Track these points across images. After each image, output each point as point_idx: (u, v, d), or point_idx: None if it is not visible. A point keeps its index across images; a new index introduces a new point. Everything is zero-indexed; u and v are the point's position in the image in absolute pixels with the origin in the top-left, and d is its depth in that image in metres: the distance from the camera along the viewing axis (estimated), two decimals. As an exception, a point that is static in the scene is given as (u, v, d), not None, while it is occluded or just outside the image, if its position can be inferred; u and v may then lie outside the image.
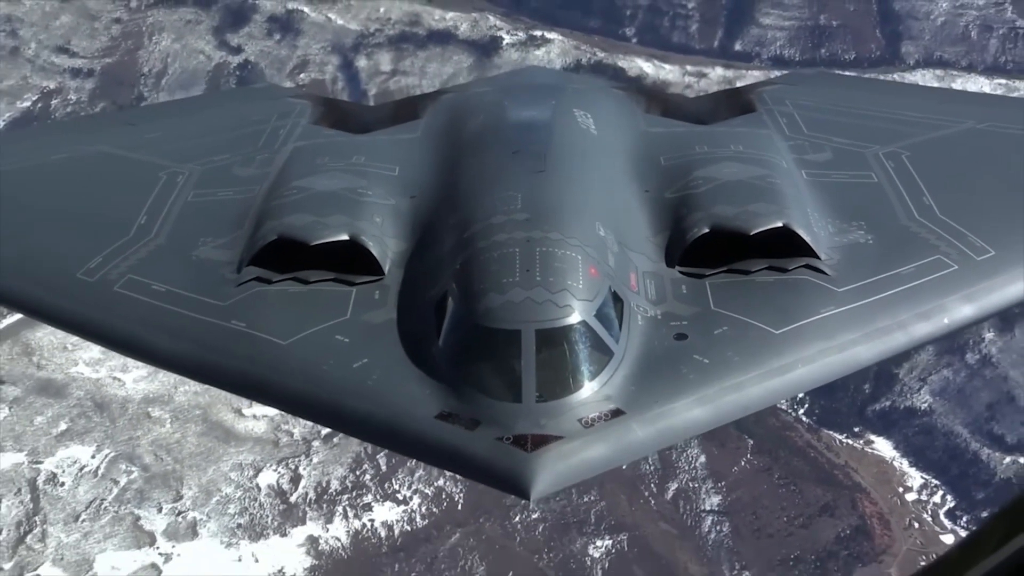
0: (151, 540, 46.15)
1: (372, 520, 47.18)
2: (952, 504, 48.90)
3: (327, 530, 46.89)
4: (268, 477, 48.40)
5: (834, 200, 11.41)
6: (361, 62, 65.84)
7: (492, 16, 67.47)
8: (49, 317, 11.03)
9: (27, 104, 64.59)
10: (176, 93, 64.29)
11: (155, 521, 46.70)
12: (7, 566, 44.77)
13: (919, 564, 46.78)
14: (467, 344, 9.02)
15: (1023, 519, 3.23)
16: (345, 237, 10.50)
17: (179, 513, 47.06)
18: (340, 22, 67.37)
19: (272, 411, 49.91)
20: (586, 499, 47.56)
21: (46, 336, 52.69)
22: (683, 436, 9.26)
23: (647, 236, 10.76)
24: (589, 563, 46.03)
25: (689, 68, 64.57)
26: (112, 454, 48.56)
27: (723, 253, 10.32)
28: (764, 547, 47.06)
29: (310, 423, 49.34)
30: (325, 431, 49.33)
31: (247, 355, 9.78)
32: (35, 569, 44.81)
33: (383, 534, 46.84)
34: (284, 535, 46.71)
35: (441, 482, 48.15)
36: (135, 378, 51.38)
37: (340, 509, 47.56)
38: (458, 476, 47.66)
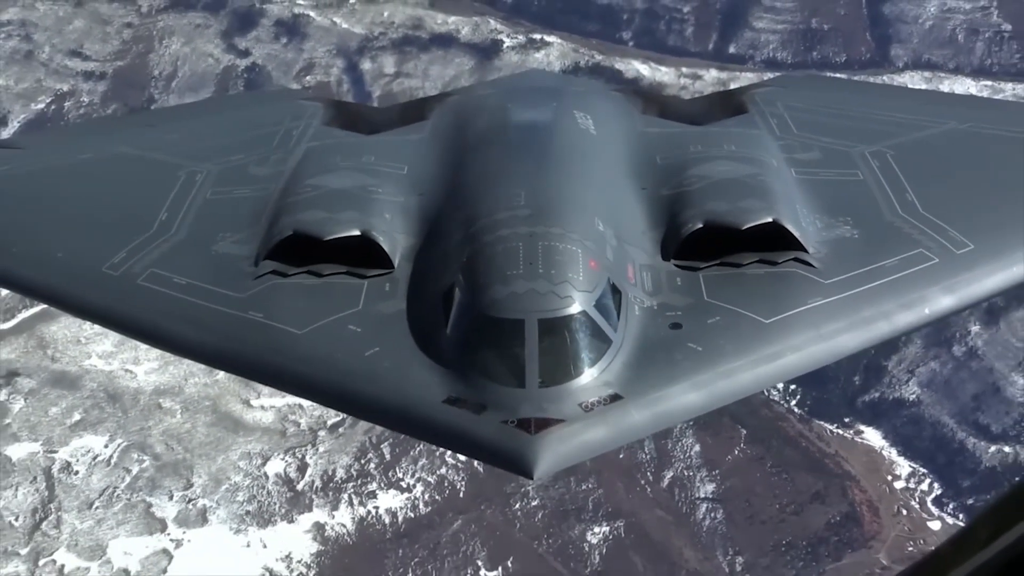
0: (162, 526, 46.31)
1: (376, 507, 47.30)
2: (939, 492, 49.05)
3: (333, 517, 47.03)
4: (276, 466, 48.54)
5: (822, 197, 11.59)
6: (366, 65, 65.94)
7: (493, 20, 67.46)
8: (77, 309, 11.22)
9: (41, 106, 64.75)
10: (185, 95, 64.36)
11: (166, 508, 46.88)
12: (23, 551, 44.94)
13: (907, 549, 46.98)
14: (473, 333, 9.20)
15: (1012, 515, 3.18)
16: (357, 232, 10.64)
17: (189, 500, 47.21)
18: (345, 26, 67.40)
19: (279, 402, 50.08)
20: (584, 487, 47.68)
21: (60, 330, 53.00)
22: (678, 420, 9.48)
23: (644, 231, 10.90)
24: (587, 549, 46.11)
25: (684, 70, 64.56)
26: (124, 444, 48.75)
27: (716, 247, 10.46)
28: (757, 533, 47.20)
29: (316, 414, 49.79)
30: (331, 422, 49.75)
31: (265, 344, 9.95)
32: (50, 554, 44.96)
33: (387, 521, 46.94)
34: (291, 522, 46.84)
35: (443, 470, 48.26)
36: (146, 370, 51.56)
37: (345, 496, 47.69)
38: (460, 465, 48.12)
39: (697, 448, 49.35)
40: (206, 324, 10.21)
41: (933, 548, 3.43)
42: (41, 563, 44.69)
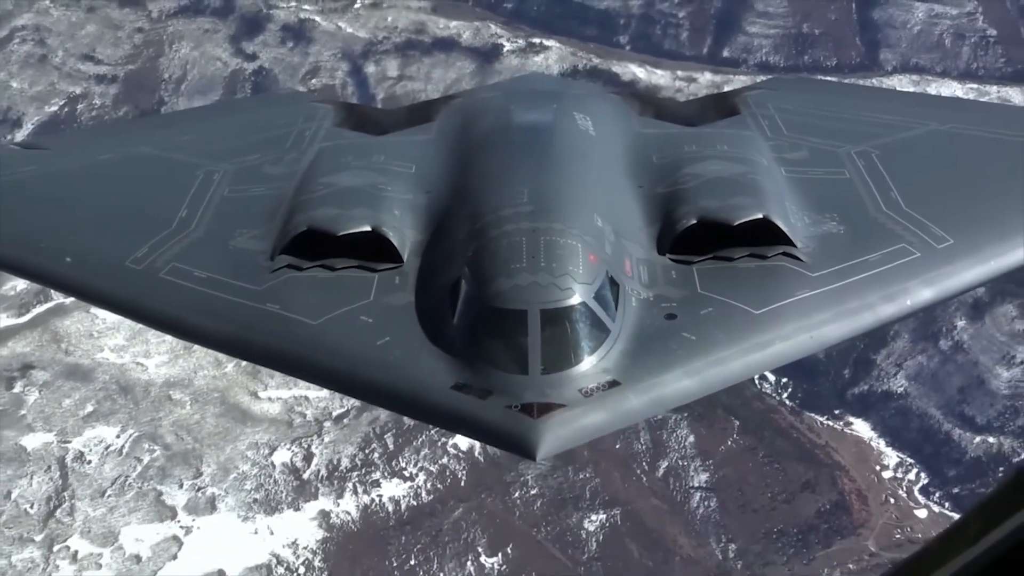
0: (172, 514, 46.36)
1: (380, 495, 47.30)
2: (926, 481, 49.06)
3: (338, 505, 47.01)
4: (282, 455, 48.54)
5: (810, 194, 11.72)
6: (370, 68, 65.92)
7: (493, 25, 67.45)
8: (102, 302, 11.37)
9: (55, 108, 64.93)
10: (195, 98, 64.46)
11: (176, 496, 46.90)
12: (38, 537, 44.98)
13: (894, 536, 47.06)
14: (479, 323, 9.35)
15: (1000, 512, 3.15)
16: (368, 228, 10.79)
17: (199, 489, 47.24)
18: (350, 30, 67.47)
19: (286, 394, 50.22)
20: (582, 476, 47.70)
21: (74, 324, 53.07)
22: (672, 405, 9.63)
23: (641, 227, 10.95)
24: (584, 536, 46.10)
25: (680, 73, 64.57)
26: (136, 434, 48.78)
27: (709, 242, 10.61)
28: (749, 521, 47.23)
29: (322, 406, 49.94)
30: (336, 413, 49.81)
31: (281, 334, 10.10)
32: (64, 541, 44.99)
33: (390, 508, 46.94)
34: (297, 509, 46.84)
35: (445, 460, 48.27)
36: (157, 363, 51.60)
37: (350, 485, 47.69)
38: (461, 455, 48.27)
39: (691, 439, 49.33)
40: (225, 315, 10.37)
41: (923, 545, 3.42)
42: (55, 549, 44.68)
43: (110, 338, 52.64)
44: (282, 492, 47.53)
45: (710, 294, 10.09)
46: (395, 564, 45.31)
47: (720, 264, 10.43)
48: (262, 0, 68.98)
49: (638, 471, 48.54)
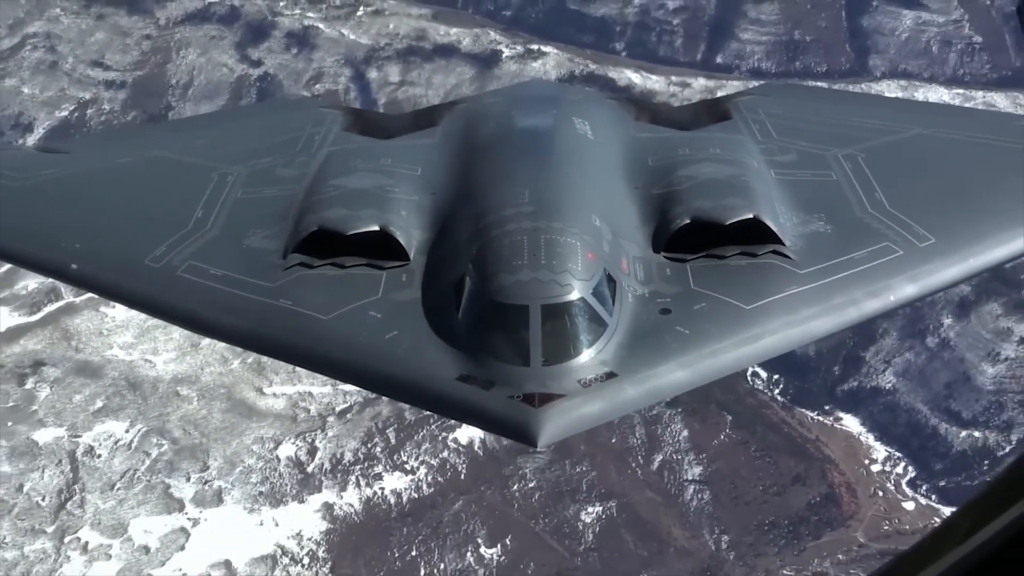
0: (180, 506, 46.48)
1: (382, 488, 47.41)
2: (913, 474, 49.29)
3: (341, 497, 47.16)
4: (287, 449, 48.65)
5: (798, 196, 11.86)
6: (372, 74, 65.89)
7: (492, 31, 67.35)
8: (122, 298, 11.52)
9: (65, 113, 64.92)
10: (201, 103, 64.59)
11: (184, 489, 47.04)
12: (50, 529, 45.11)
13: (883, 528, 47.33)
14: (483, 317, 9.52)
15: (989, 511, 3.13)
16: (376, 228, 10.93)
17: (206, 482, 47.36)
18: (352, 37, 67.41)
19: (291, 390, 50.36)
20: (578, 469, 47.83)
21: (84, 322, 53.17)
22: (667, 395, 9.81)
23: (636, 226, 11.16)
24: (581, 528, 46.24)
25: (674, 79, 64.44)
26: (144, 429, 48.90)
27: (702, 241, 10.75)
28: (742, 513, 47.45)
29: (326, 401, 50.07)
30: (339, 408, 49.94)
31: (293, 328, 10.25)
32: (75, 532, 45.15)
33: (392, 501, 47.06)
34: (302, 502, 46.99)
35: (445, 454, 48.36)
36: (165, 360, 51.72)
37: (353, 478, 47.81)
38: (461, 449, 48.45)
39: (685, 433, 49.45)
40: (240, 311, 10.55)
41: (914, 543, 3.37)
42: (66, 540, 44.82)
43: (119, 336, 52.71)
44: (287, 485, 47.63)
45: (703, 290, 10.24)
46: (397, 555, 45.39)
47: (712, 262, 10.59)
48: (267, 8, 69.00)
49: (633, 465, 48.62)
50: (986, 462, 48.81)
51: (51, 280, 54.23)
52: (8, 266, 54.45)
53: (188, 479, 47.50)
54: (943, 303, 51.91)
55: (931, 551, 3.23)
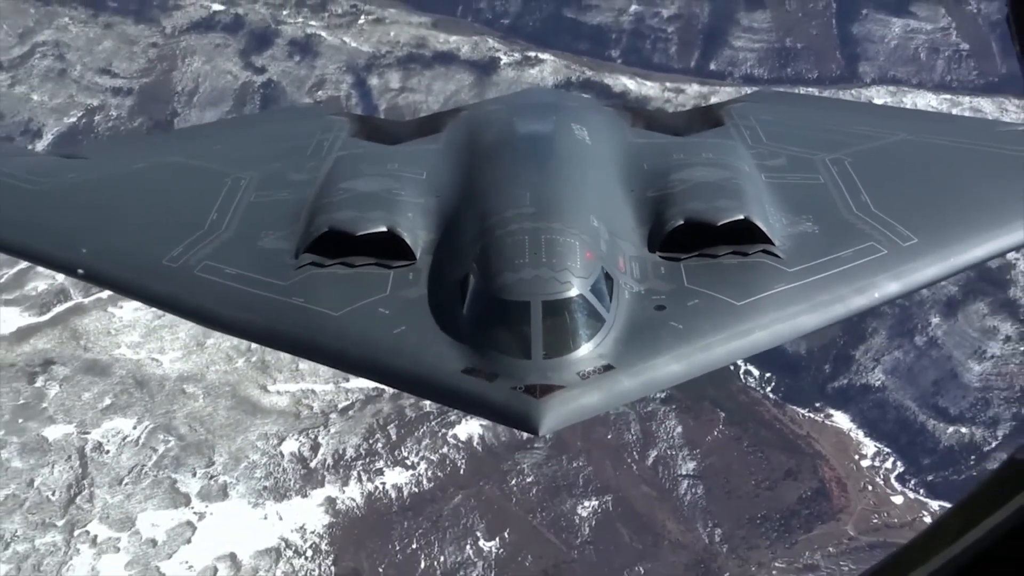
0: (186, 501, 46.64)
1: (383, 483, 47.51)
2: (902, 469, 49.48)
3: (343, 492, 47.27)
4: (291, 445, 48.82)
5: (787, 198, 12.07)
6: (373, 80, 66.04)
7: (491, 39, 67.46)
8: (141, 297, 11.79)
9: (73, 119, 65.23)
10: (206, 109, 64.83)
11: (190, 484, 47.17)
12: (60, 523, 45.29)
13: (872, 521, 47.50)
14: (487, 313, 9.74)
15: (979, 511, 3.12)
16: (384, 229, 11.11)
17: (211, 477, 47.49)
18: (354, 45, 67.64)
19: (294, 388, 50.58)
20: (575, 465, 47.97)
21: (92, 322, 53.38)
22: (662, 387, 10.21)
23: (633, 227, 11.32)
24: (578, 521, 46.38)
25: (668, 85, 64.60)
26: (151, 425, 49.08)
27: (695, 241, 10.93)
28: (734, 507, 47.59)
29: (328, 399, 50.21)
30: (341, 405, 50.13)
31: (306, 324, 10.46)
32: (84, 526, 45.31)
33: (393, 495, 47.17)
34: (305, 496, 47.13)
35: (445, 450, 48.47)
36: (171, 359, 51.88)
37: (355, 473, 47.92)
38: (460, 444, 48.64)
39: (679, 429, 49.58)
40: (254, 308, 10.78)
41: (905, 543, 3.37)
42: (76, 533, 44.95)
43: (127, 335, 52.89)
44: (290, 480, 47.75)
45: (696, 287, 10.47)
46: (398, 548, 45.51)
47: (705, 261, 10.80)
48: (270, 16, 69.19)
49: (629, 460, 48.78)
50: (973, 457, 49.09)
51: (60, 281, 54.89)
52: (18, 268, 55.06)
53: (194, 474, 47.62)
54: (931, 303, 52.21)
55: (922, 550, 3.22)
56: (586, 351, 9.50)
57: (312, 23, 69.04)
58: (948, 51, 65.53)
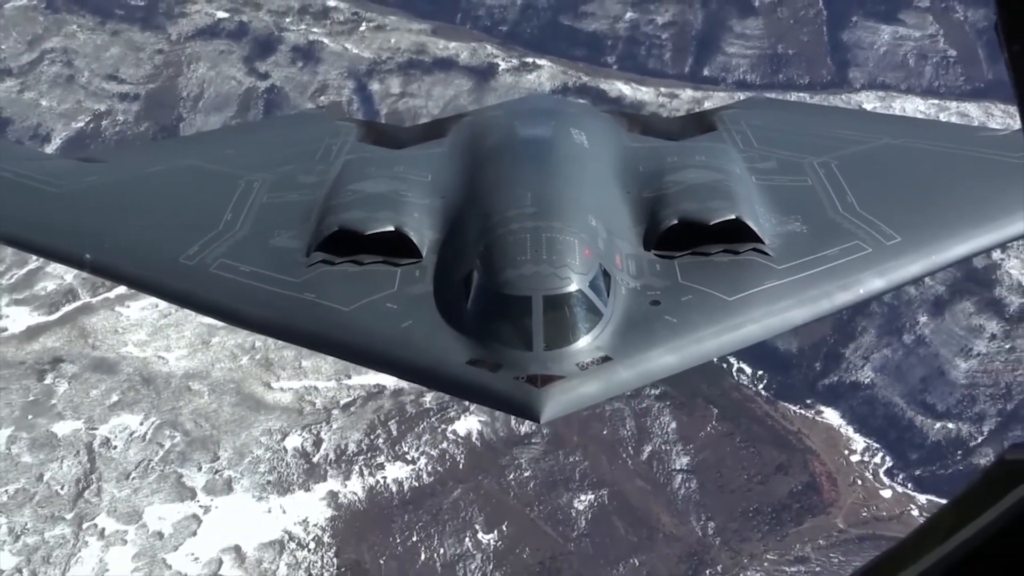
0: (192, 494, 46.85)
1: (384, 477, 47.70)
2: (890, 464, 49.86)
3: (345, 486, 47.47)
4: (294, 441, 49.02)
5: (777, 199, 12.26)
6: (374, 86, 66.40)
7: (489, 45, 67.86)
8: (160, 294, 12.00)
9: (81, 124, 65.64)
10: (211, 114, 65.17)
11: (195, 478, 47.41)
12: (68, 516, 45.54)
13: (861, 515, 47.86)
14: (490, 307, 9.91)
15: (971, 509, 3.11)
16: (391, 228, 11.28)
17: (216, 472, 47.72)
18: (355, 51, 68.01)
19: (297, 384, 50.85)
20: (571, 459, 48.21)
21: (100, 321, 53.71)
22: (657, 377, 10.24)
23: (629, 227, 11.49)
24: (574, 515, 46.64)
25: (663, 90, 64.94)
26: (158, 422, 49.30)
27: (689, 239, 11.11)
28: (727, 501, 47.90)
29: (330, 395, 50.40)
30: (343, 402, 50.39)
31: (317, 319, 10.63)
32: (92, 519, 45.55)
33: (394, 489, 47.38)
34: (308, 490, 47.34)
35: (444, 445, 48.70)
36: (177, 356, 52.17)
37: (357, 468, 48.14)
38: (459, 440, 48.89)
39: (673, 425, 49.84)
40: (268, 304, 10.93)
41: (897, 541, 3.35)
42: (84, 526, 45.15)
43: (133, 334, 53.19)
44: (293, 474, 47.96)
45: (689, 284, 10.64)
46: (398, 540, 45.72)
47: (698, 258, 10.96)
48: (274, 23, 69.50)
49: (624, 455, 49.03)
50: (959, 452, 49.53)
51: (68, 281, 55.28)
52: (27, 269, 55.45)
53: (199, 469, 47.85)
54: (919, 302, 52.63)
55: (914, 549, 3.21)
56: (585, 343, 9.68)
57: (314, 30, 69.39)
58: (936, 57, 66.02)
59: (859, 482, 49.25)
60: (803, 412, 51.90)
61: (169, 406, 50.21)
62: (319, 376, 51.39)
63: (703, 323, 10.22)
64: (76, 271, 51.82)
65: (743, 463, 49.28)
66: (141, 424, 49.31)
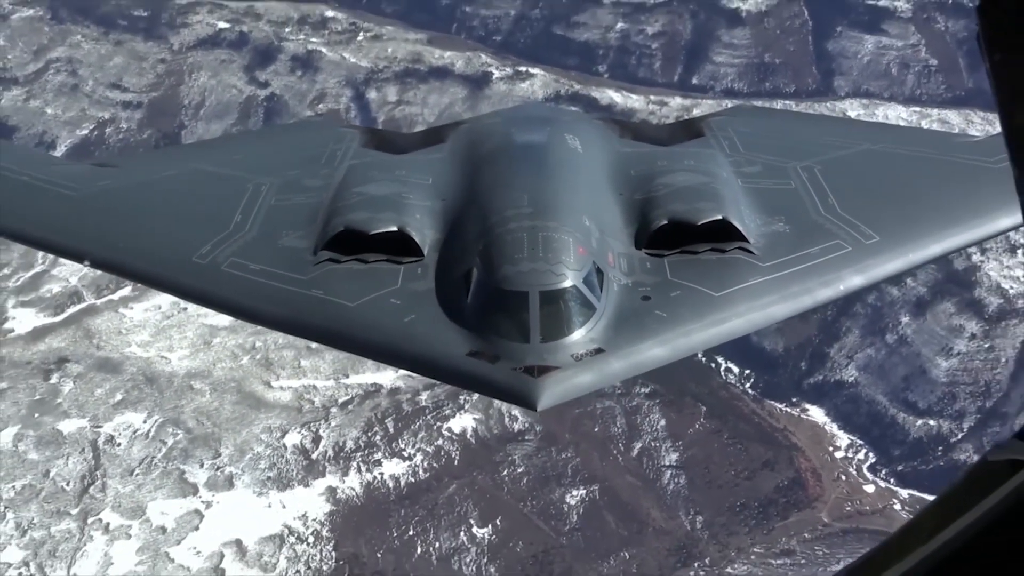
0: (194, 490, 47.06)
1: (382, 473, 47.90)
2: (873, 460, 50.23)
3: (343, 482, 47.65)
4: (293, 438, 49.19)
5: (762, 201, 12.56)
6: (371, 94, 66.74)
7: (484, 54, 68.17)
8: (174, 291, 12.32)
9: (85, 132, 65.99)
10: (212, 122, 65.55)
11: (197, 475, 47.58)
12: (74, 511, 45.77)
13: (845, 509, 48.23)
14: (489, 302, 10.17)
15: (954, 509, 3.11)
16: (394, 228, 11.55)
17: (218, 468, 47.92)
18: (353, 60, 68.32)
19: (296, 383, 51.10)
20: (564, 456, 48.50)
21: (104, 322, 54.01)
22: (647, 368, 10.51)
23: (621, 227, 11.73)
24: (566, 509, 46.88)
25: (652, 98, 65.33)
26: (160, 420, 49.49)
27: (677, 239, 11.36)
28: (715, 496, 48.21)
29: (329, 394, 50.59)
30: (341, 400, 50.63)
31: (324, 314, 10.88)
32: (97, 514, 45.76)
33: (391, 485, 47.55)
34: (307, 486, 47.50)
35: (440, 442, 48.90)
36: (179, 356, 52.42)
37: (354, 464, 48.31)
38: (454, 437, 49.22)
39: (663, 422, 50.10)
40: (277, 300, 11.20)
41: (881, 541, 3.32)
42: (89, 521, 45.36)
43: (137, 334, 53.47)
44: (293, 470, 48.12)
45: (678, 280, 10.89)
46: (395, 534, 45.91)
47: (687, 257, 11.21)
48: (273, 33, 69.84)
49: (615, 451, 49.29)
50: (940, 448, 49.93)
51: (74, 283, 55.72)
52: (34, 271, 55.90)
53: (201, 465, 48.02)
54: (901, 302, 53.08)
55: (898, 548, 3.20)
56: (579, 336, 9.93)
57: (313, 40, 69.73)
58: (918, 66, 66.45)
59: (843, 477, 49.54)
60: (789, 410, 52.18)
61: (172, 404, 50.37)
62: (318, 375, 51.70)
63: (691, 317, 10.49)
64: (81, 274, 52.80)
65: (730, 459, 49.51)
66: (144, 422, 49.48)
